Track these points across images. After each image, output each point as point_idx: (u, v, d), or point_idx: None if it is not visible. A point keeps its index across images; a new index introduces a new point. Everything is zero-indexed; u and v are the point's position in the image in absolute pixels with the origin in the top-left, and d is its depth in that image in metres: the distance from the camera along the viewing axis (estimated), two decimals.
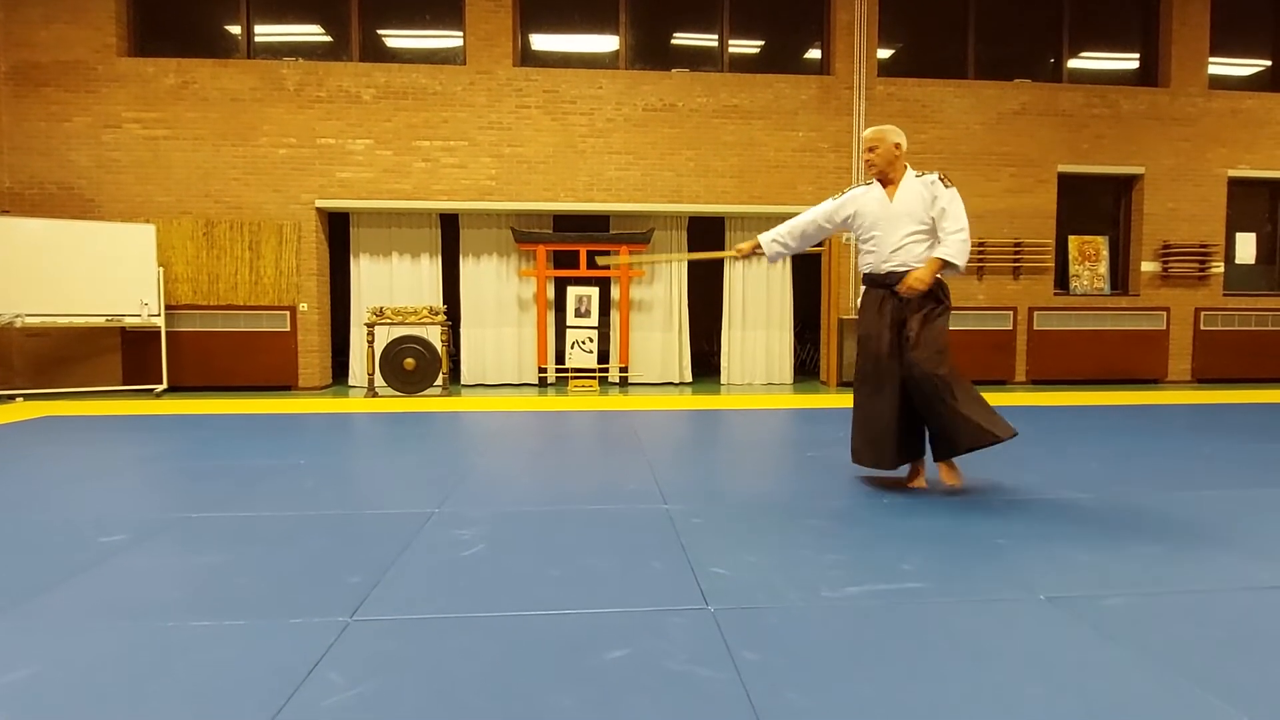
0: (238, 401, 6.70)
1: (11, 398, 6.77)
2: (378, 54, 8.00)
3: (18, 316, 6.72)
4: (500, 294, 8.30)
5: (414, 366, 7.10)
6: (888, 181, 3.12)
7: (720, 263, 8.60)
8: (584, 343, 8.15)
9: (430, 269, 8.26)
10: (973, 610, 1.91)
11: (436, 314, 7.21)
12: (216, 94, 7.59)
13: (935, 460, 3.17)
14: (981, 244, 8.17)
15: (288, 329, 7.75)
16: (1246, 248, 8.82)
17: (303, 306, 7.79)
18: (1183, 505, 2.93)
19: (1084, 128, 8.35)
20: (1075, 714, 1.42)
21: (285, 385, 7.81)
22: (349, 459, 4.04)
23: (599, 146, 7.93)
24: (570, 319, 8.16)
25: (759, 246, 3.41)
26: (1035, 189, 8.33)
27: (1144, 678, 1.56)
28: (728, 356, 8.57)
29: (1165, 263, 8.48)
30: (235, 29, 7.86)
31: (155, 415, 5.71)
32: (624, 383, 8.29)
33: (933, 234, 3.01)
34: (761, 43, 8.45)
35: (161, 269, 7.37)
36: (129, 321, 7.19)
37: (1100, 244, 8.64)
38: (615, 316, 8.31)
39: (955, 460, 3.16)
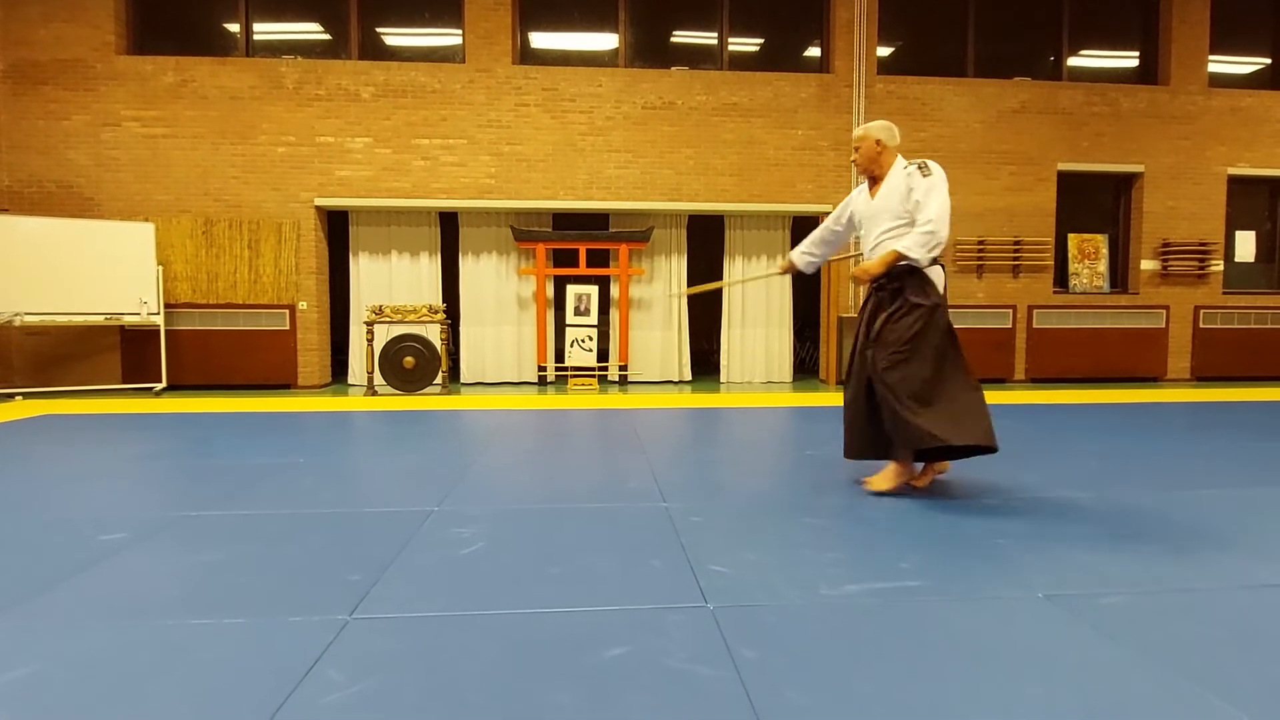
0: (237, 400, 6.70)
1: (11, 396, 6.77)
2: (377, 52, 7.99)
3: (17, 315, 6.71)
4: (500, 292, 8.29)
5: (413, 365, 7.10)
6: (876, 179, 3.13)
7: (719, 261, 8.60)
8: (583, 341, 8.14)
9: (429, 267, 8.25)
10: (972, 609, 1.91)
11: (436, 312, 7.20)
12: (215, 92, 7.58)
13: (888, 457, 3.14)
14: (981, 242, 8.18)
15: (287, 327, 7.75)
16: (1246, 246, 8.82)
17: (302, 305, 7.78)
18: (1182, 504, 2.93)
19: (1083, 126, 8.35)
20: (1074, 712, 1.42)
21: (284, 384, 7.81)
22: (348, 457, 4.03)
23: (598, 145, 7.92)
24: (570, 317, 8.16)
25: (794, 264, 3.49)
26: (1035, 187, 8.32)
27: (1143, 676, 1.56)
28: (727, 355, 8.56)
29: (1165, 261, 8.48)
30: (234, 27, 7.85)
31: (154, 414, 5.71)
32: (623, 381, 8.29)
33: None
34: (761, 41, 8.44)
35: (161, 267, 7.37)
36: (128, 320, 7.18)
37: (1100, 242, 8.63)
38: (615, 315, 8.30)
39: (952, 461, 3.15)
